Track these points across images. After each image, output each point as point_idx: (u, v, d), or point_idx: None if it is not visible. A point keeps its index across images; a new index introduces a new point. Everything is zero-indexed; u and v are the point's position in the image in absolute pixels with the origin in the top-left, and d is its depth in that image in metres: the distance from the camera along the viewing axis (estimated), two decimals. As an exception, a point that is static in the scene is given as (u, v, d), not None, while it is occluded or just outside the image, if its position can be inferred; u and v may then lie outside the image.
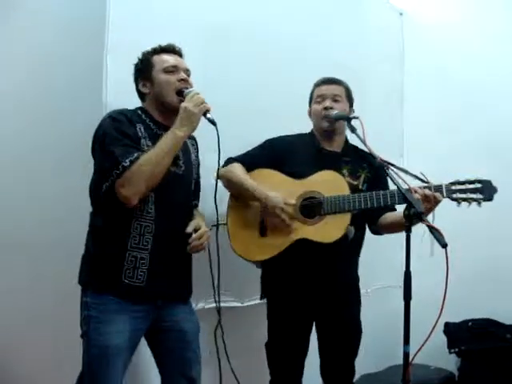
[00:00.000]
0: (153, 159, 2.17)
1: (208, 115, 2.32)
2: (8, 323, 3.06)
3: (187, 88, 2.34)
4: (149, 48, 2.40)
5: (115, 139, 2.18)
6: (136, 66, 2.43)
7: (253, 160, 2.75)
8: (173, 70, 2.37)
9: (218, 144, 2.33)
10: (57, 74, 2.95)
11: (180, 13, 2.90)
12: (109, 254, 2.22)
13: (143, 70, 2.39)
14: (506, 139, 3.83)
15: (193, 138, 2.56)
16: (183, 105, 2.27)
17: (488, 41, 3.99)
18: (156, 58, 2.38)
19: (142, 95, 2.41)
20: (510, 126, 3.83)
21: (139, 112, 2.36)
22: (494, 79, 3.93)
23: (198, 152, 2.59)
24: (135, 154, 2.15)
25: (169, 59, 2.38)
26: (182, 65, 2.40)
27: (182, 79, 2.36)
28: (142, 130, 2.29)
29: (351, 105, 2.82)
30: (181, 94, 2.33)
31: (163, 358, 2.43)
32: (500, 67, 3.93)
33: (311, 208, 2.62)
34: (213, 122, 2.33)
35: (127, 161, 2.12)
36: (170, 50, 2.41)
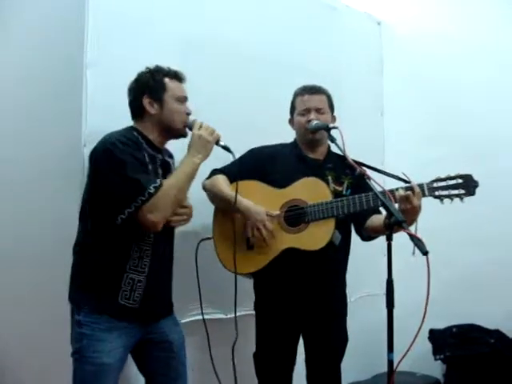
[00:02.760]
0: (176, 185, 2.25)
1: (221, 143, 2.42)
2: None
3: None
4: (158, 65, 2.40)
5: (135, 166, 2.19)
6: (143, 80, 2.39)
7: (237, 171, 2.74)
8: (183, 100, 2.42)
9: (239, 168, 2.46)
10: (36, 89, 2.93)
11: (158, 26, 2.92)
12: (106, 275, 2.23)
13: (154, 89, 2.37)
14: (487, 146, 3.85)
15: (172, 157, 2.57)
16: (197, 133, 2.36)
17: (466, 48, 4.02)
18: (169, 83, 2.39)
19: (140, 111, 2.39)
20: (491, 134, 3.85)
21: (135, 134, 2.34)
22: (474, 86, 3.96)
23: None
24: (158, 181, 2.20)
25: (182, 89, 2.43)
26: (187, 95, 2.45)
27: (189, 113, 2.43)
28: (146, 155, 2.31)
29: (333, 112, 2.83)
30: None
31: (150, 369, 2.45)
32: (479, 75, 3.96)
33: (295, 217, 2.63)
34: (228, 150, 2.45)
35: (152, 187, 2.16)
36: (182, 78, 2.44)
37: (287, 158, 2.78)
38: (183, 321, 2.82)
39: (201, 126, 2.39)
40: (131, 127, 2.40)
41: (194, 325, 2.83)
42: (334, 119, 2.81)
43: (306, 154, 2.80)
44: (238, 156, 2.57)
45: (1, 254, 3.06)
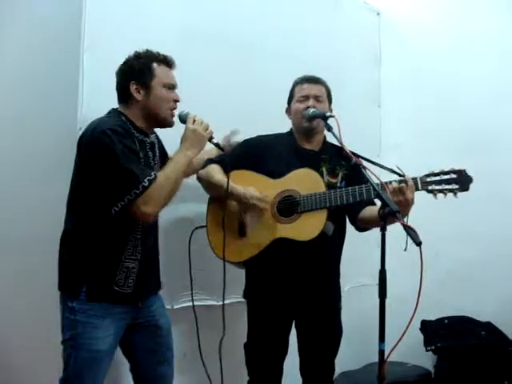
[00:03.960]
0: (171, 178, 2.23)
1: (213, 140, 2.42)
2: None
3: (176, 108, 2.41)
4: (149, 49, 2.36)
5: (127, 155, 2.17)
6: (130, 65, 2.33)
7: (231, 161, 2.74)
8: (172, 87, 2.38)
9: (228, 165, 2.49)
10: (33, 72, 2.93)
11: (156, 12, 2.90)
12: (102, 265, 2.23)
13: (141, 74, 2.32)
14: (484, 139, 3.85)
15: (157, 137, 2.54)
16: (192, 127, 2.35)
17: (465, 40, 4.02)
18: (158, 69, 2.34)
19: (127, 97, 2.34)
20: (488, 126, 3.85)
21: (123, 119, 2.31)
22: (472, 78, 3.96)
23: (163, 149, 2.57)
24: (152, 174, 2.19)
25: (171, 75, 2.39)
26: (177, 83, 2.41)
27: (177, 100, 2.40)
28: (136, 141, 2.29)
29: (331, 104, 2.83)
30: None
31: (136, 353, 2.46)
32: (477, 66, 3.95)
33: (288, 207, 2.63)
34: (220, 147, 2.46)
35: (146, 180, 2.15)
36: (171, 64, 2.40)
37: (282, 148, 2.78)
38: (175, 307, 2.83)
39: (194, 120, 2.37)
40: (117, 111, 2.35)
41: (185, 311, 2.84)
42: (330, 112, 2.78)
43: (302, 144, 2.80)
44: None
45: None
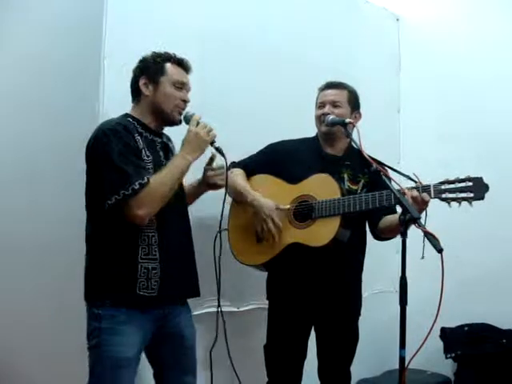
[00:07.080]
0: (166, 182, 2.22)
1: (215, 144, 2.39)
2: (7, 328, 3.06)
3: (184, 109, 2.40)
4: (166, 51, 2.38)
5: (124, 154, 2.16)
6: (145, 62, 2.37)
7: (255, 165, 2.79)
8: (180, 86, 2.38)
9: (226, 169, 2.43)
10: (54, 79, 2.96)
11: (178, 19, 2.92)
12: (121, 268, 2.21)
13: (152, 70, 2.35)
14: (505, 144, 3.83)
15: (170, 140, 2.53)
16: (194, 130, 2.33)
17: (485, 45, 3.99)
18: (169, 67, 2.36)
19: (137, 93, 2.37)
20: (508, 133, 3.83)
21: (130, 120, 2.32)
22: (492, 84, 3.93)
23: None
24: (145, 178, 2.16)
25: (181, 74, 2.39)
26: (189, 84, 2.42)
27: (185, 100, 2.39)
28: (141, 140, 2.28)
29: (355, 109, 2.80)
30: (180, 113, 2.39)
31: (160, 362, 2.44)
32: (498, 72, 3.92)
33: (304, 212, 2.64)
34: (221, 152, 2.41)
35: (137, 184, 2.13)
36: (184, 65, 2.41)
37: (305, 153, 2.78)
38: (194, 313, 2.83)
39: (198, 123, 2.35)
40: (126, 114, 2.37)
41: (204, 317, 2.84)
42: (357, 116, 2.79)
43: (325, 149, 2.79)
44: (230, 155, 2.53)
45: (11, 242, 3.10)
